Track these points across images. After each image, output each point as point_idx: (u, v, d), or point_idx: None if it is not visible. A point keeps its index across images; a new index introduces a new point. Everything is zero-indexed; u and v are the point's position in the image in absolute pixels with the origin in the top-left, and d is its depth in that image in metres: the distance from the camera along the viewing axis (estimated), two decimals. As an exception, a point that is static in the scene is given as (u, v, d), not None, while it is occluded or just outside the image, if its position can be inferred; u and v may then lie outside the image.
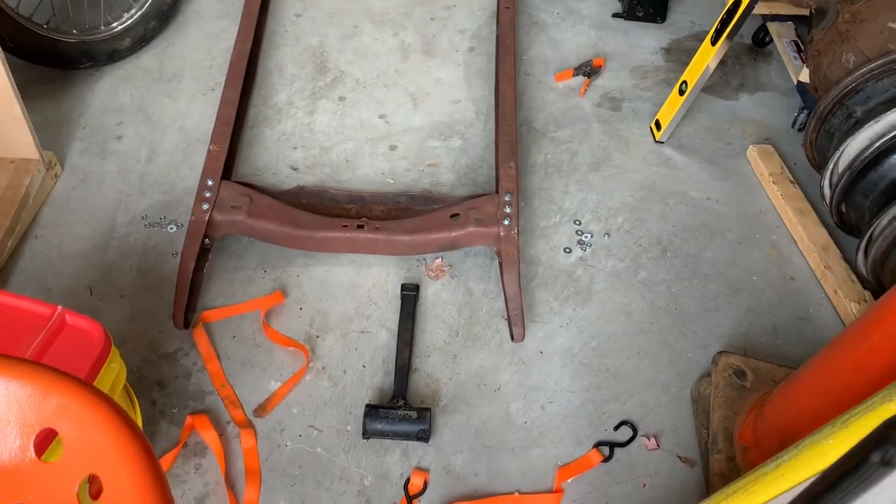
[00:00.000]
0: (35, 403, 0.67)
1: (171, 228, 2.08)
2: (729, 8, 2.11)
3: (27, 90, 2.05)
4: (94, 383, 1.32)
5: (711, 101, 2.53)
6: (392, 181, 2.25)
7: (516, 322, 1.87)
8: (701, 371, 1.88)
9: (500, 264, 1.95)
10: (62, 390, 0.67)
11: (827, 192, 2.04)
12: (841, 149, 1.98)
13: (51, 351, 1.32)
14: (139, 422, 1.61)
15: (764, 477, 1.10)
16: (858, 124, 1.97)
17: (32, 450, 0.69)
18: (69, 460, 0.69)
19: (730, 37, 2.11)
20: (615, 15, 2.81)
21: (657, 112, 2.45)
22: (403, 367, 1.81)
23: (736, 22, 2.08)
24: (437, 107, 2.46)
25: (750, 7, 2.05)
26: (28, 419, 0.68)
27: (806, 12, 2.42)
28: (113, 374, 1.39)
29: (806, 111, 2.39)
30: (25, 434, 0.68)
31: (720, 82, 2.59)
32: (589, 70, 2.58)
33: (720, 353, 1.82)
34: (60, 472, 0.70)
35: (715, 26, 2.15)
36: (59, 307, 1.37)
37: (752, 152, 2.35)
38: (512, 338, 1.89)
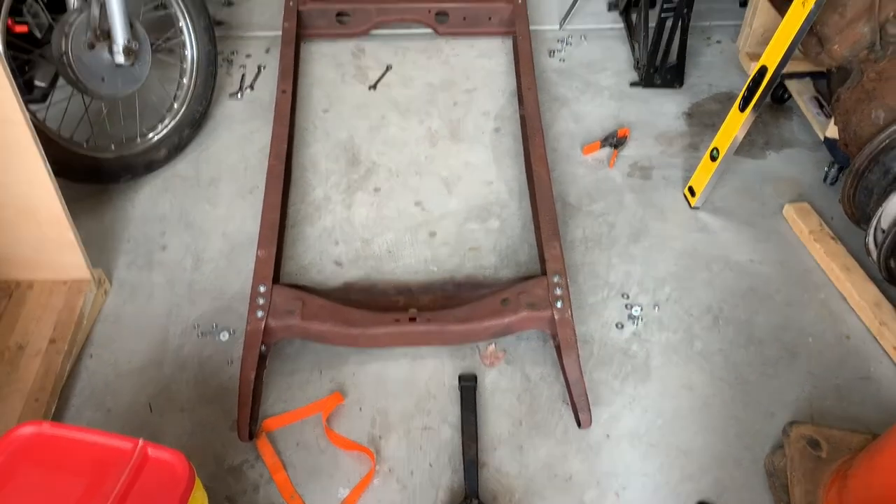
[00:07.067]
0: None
1: (223, 336, 2.08)
2: (754, 76, 2.15)
3: (68, 208, 2.06)
4: (181, 517, 1.31)
5: (740, 162, 2.56)
6: (436, 268, 2.27)
7: (582, 408, 1.85)
8: (771, 442, 1.86)
9: (558, 348, 1.95)
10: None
11: (872, 248, 2.05)
12: (883, 205, 1.99)
13: (136, 488, 1.31)
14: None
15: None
16: (897, 180, 1.99)
17: None
18: None
19: (758, 105, 2.15)
20: (633, 84, 2.87)
21: (687, 178, 2.48)
22: (472, 463, 1.79)
23: (763, 91, 2.12)
24: (471, 190, 2.49)
25: (776, 76, 2.09)
26: None
27: (823, 68, 2.47)
28: (197, 505, 1.38)
29: (837, 166, 2.42)
30: None
31: (746, 142, 2.62)
32: (615, 141, 2.62)
33: (791, 423, 1.80)
34: None
35: (742, 93, 2.19)
36: (141, 440, 1.36)
37: (789, 211, 2.36)
38: (579, 424, 1.87)
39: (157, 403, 1.95)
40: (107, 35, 2.25)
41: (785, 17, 2.06)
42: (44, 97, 2.36)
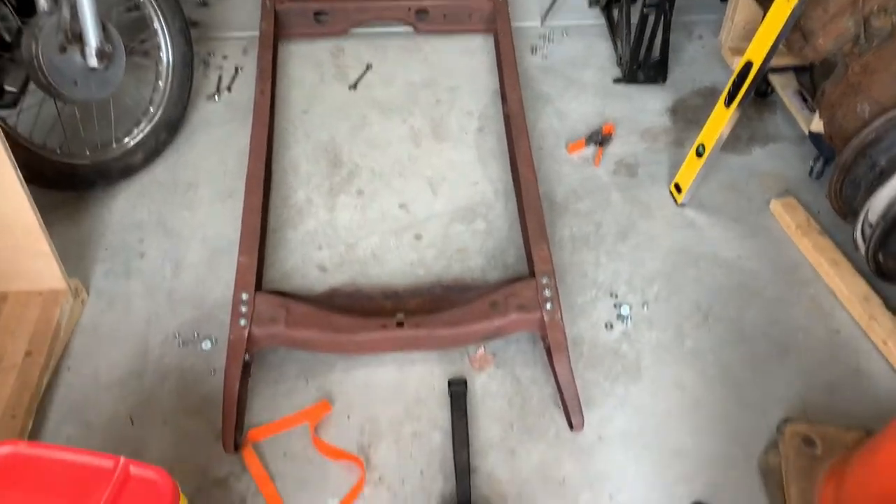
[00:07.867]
0: None
1: (205, 345, 2.03)
2: (739, 71, 2.13)
3: (44, 217, 1.99)
4: (166, 537, 1.27)
5: (725, 158, 2.55)
6: (422, 271, 2.23)
7: (574, 411, 1.83)
8: (764, 440, 1.84)
9: (548, 350, 1.92)
10: None
11: (861, 242, 2.04)
12: (870, 199, 1.98)
13: (119, 508, 1.27)
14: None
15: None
16: (884, 174, 1.98)
17: None
18: None
19: (744, 100, 2.13)
20: (616, 80, 2.84)
21: (673, 174, 2.46)
22: (464, 470, 1.75)
23: (749, 86, 2.10)
24: (456, 191, 2.46)
25: (761, 71, 2.07)
26: None
27: (807, 62, 2.46)
28: (182, 523, 1.33)
29: (822, 160, 2.41)
30: None
31: (730, 137, 2.58)
32: (600, 138, 2.60)
33: (784, 421, 1.79)
34: None
35: (727, 89, 2.17)
36: (122, 458, 1.31)
37: (776, 206, 2.35)
38: (571, 427, 1.84)
39: (139, 416, 1.89)
40: (78, 38, 2.17)
41: (769, 12, 2.04)
42: (14, 102, 2.28)
